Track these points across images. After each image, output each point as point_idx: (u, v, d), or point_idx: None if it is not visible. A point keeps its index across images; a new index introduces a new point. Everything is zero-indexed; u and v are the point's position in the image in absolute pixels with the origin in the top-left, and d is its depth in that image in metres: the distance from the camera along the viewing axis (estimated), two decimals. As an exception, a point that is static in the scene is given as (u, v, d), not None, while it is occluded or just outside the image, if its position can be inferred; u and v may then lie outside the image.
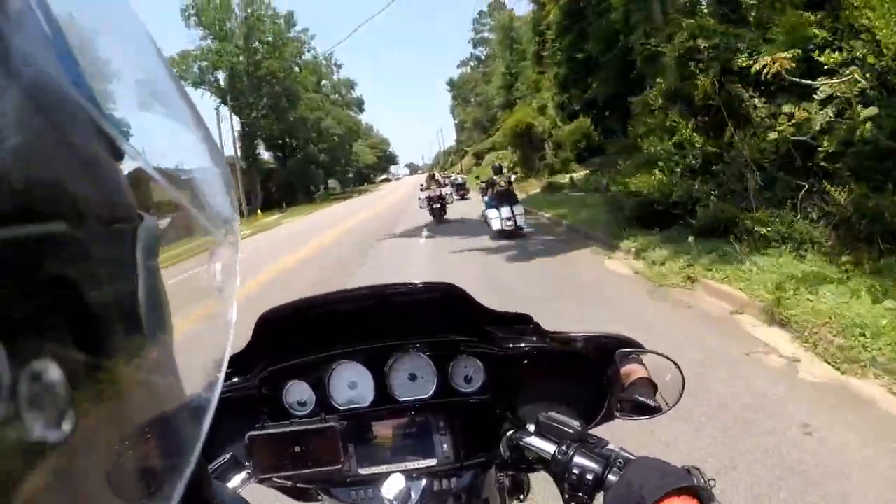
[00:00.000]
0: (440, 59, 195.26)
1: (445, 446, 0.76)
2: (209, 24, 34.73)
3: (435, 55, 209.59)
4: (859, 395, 2.60)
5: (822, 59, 4.51)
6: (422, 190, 13.05)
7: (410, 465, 0.76)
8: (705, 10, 7.36)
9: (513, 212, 8.44)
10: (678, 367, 0.71)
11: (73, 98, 0.19)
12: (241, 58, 34.06)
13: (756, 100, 5.56)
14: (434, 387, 0.78)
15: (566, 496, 0.59)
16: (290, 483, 0.78)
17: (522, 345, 0.78)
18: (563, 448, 0.61)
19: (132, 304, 0.22)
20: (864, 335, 2.91)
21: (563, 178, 17.30)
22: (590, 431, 0.64)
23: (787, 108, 4.92)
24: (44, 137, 0.18)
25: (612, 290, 5.06)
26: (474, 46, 54.63)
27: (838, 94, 4.41)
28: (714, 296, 4.31)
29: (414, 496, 0.71)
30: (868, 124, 4.05)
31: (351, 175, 65.49)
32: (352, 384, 0.79)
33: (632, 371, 0.72)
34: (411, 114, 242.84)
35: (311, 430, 0.74)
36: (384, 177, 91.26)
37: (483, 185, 10.76)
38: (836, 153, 4.48)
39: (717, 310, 4.06)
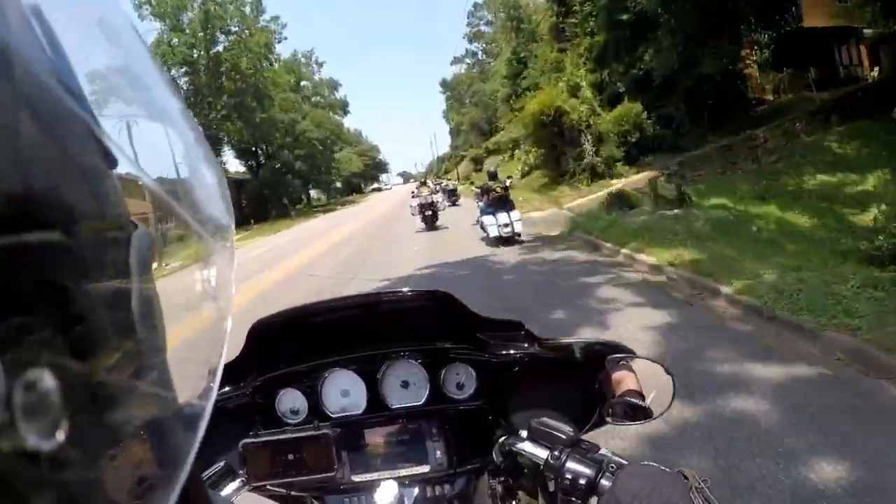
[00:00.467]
0: (436, 59, 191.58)
1: (438, 453, 0.78)
2: (162, 13, 29.70)
3: (431, 55, 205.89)
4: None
5: None
6: (413, 196, 13.56)
7: (403, 472, 0.77)
8: None
9: (510, 218, 8.37)
10: (669, 372, 0.73)
11: (69, 106, 0.19)
12: (195, 50, 28.89)
13: None
14: (426, 394, 0.80)
15: (559, 502, 0.60)
16: (283, 491, 0.78)
17: (514, 351, 0.81)
18: (556, 453, 0.61)
19: (126, 312, 0.21)
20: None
21: (615, 182, 12.32)
22: (582, 437, 0.64)
23: None
24: (39, 145, 0.18)
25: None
26: (469, 41, 50.17)
27: None
28: None
29: (407, 503, 0.74)
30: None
31: (339, 185, 60.76)
32: (344, 392, 0.81)
33: (623, 377, 0.74)
34: (405, 122, 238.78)
35: (305, 438, 0.75)
36: (374, 186, 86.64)
37: (478, 190, 10.36)
38: None
39: None
